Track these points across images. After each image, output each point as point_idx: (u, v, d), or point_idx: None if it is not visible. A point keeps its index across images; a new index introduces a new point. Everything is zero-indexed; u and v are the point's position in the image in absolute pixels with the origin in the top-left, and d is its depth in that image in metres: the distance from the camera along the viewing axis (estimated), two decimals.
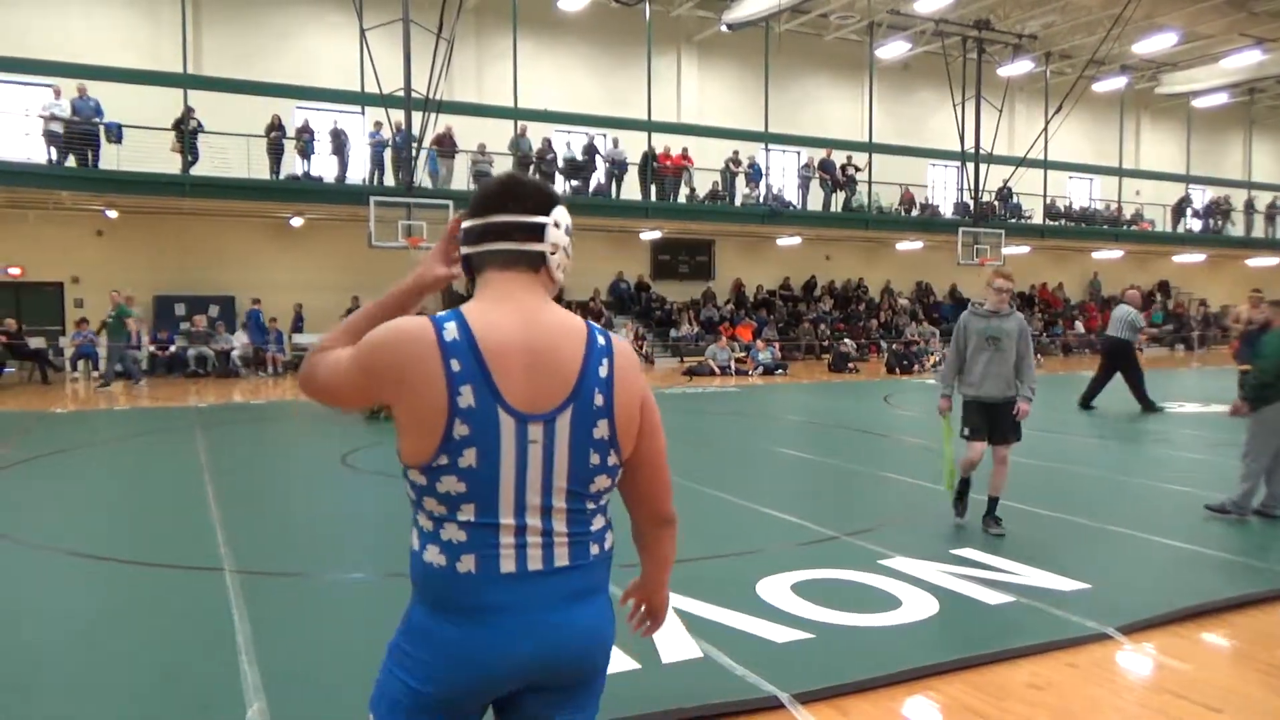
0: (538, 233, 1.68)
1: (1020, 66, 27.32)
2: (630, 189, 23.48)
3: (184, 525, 6.43)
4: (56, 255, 20.21)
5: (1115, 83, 29.70)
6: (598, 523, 1.68)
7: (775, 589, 4.80)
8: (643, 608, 1.98)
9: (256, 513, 6.96)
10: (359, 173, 21.07)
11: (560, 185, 22.80)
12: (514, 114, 21.71)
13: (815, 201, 25.89)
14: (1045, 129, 25.46)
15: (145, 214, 20.33)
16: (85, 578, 5.27)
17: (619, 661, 3.73)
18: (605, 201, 23.06)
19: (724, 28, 24.88)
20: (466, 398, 1.54)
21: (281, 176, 20.13)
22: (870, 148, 26.02)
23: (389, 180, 20.49)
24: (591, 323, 1.69)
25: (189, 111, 18.77)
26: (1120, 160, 31.40)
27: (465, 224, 1.72)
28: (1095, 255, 31.96)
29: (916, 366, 21.81)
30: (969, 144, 25.53)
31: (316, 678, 3.77)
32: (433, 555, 1.60)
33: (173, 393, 16.06)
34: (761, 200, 24.66)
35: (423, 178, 20.20)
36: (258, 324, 20.55)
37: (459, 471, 1.55)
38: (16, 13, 19.46)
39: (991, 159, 25.84)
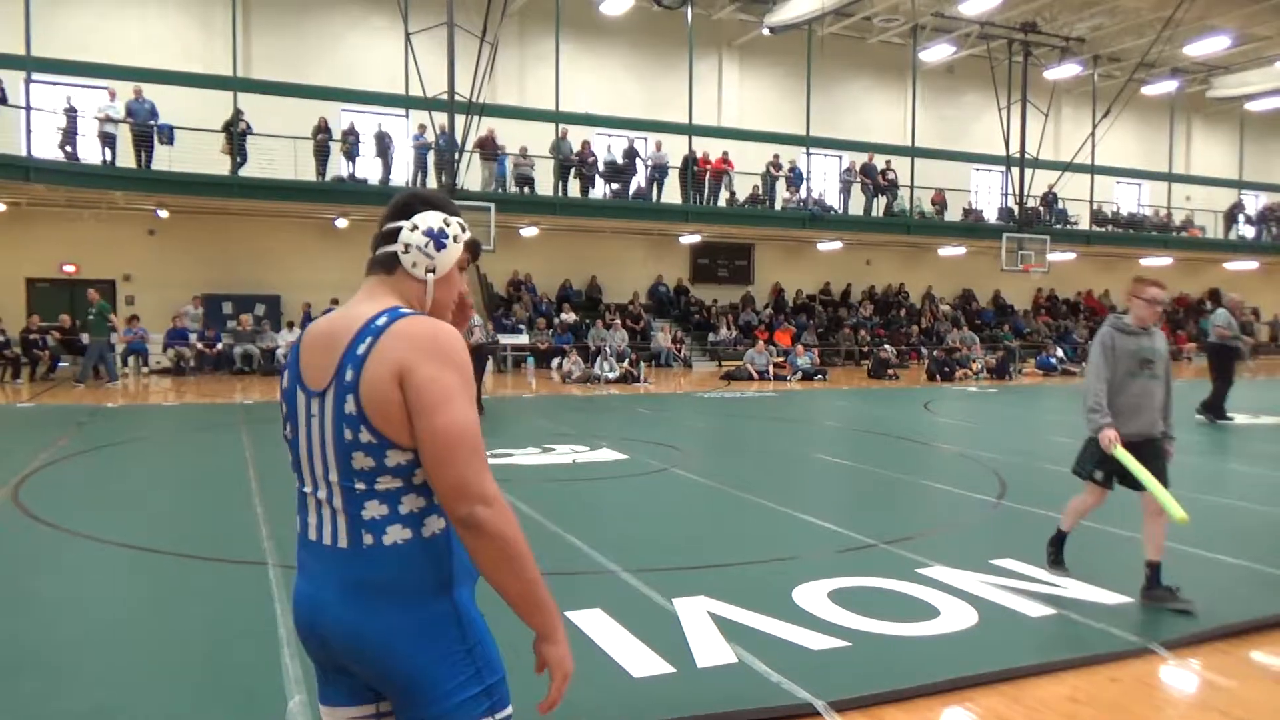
0: (392, 238, 1.81)
1: (1067, 69, 26.90)
2: (670, 192, 23.52)
3: (229, 519, 6.56)
4: (109, 253, 20.74)
5: (1165, 86, 29.12)
6: (372, 509, 1.66)
7: (812, 595, 4.78)
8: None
9: None
10: (402, 175, 21.34)
11: (601, 188, 22.91)
12: (556, 117, 21.85)
13: (856, 206, 25.71)
14: (1093, 133, 25.05)
15: (195, 214, 20.78)
16: (132, 569, 5.41)
17: (652, 664, 3.75)
18: (645, 205, 23.11)
19: (766, 31, 24.80)
20: (285, 380, 1.81)
21: (327, 178, 20.46)
22: (913, 152, 25.80)
23: (431, 182, 20.72)
24: (396, 309, 1.72)
25: (238, 114, 19.16)
26: (1170, 165, 30.79)
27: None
28: (1143, 262, 31.32)
29: (959, 373, 21.55)
30: (1014, 148, 25.19)
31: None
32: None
33: (219, 389, 16.38)
34: (802, 204, 24.54)
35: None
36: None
37: (287, 443, 1.80)
38: (78, 19, 20.00)
39: (1037, 163, 25.47)
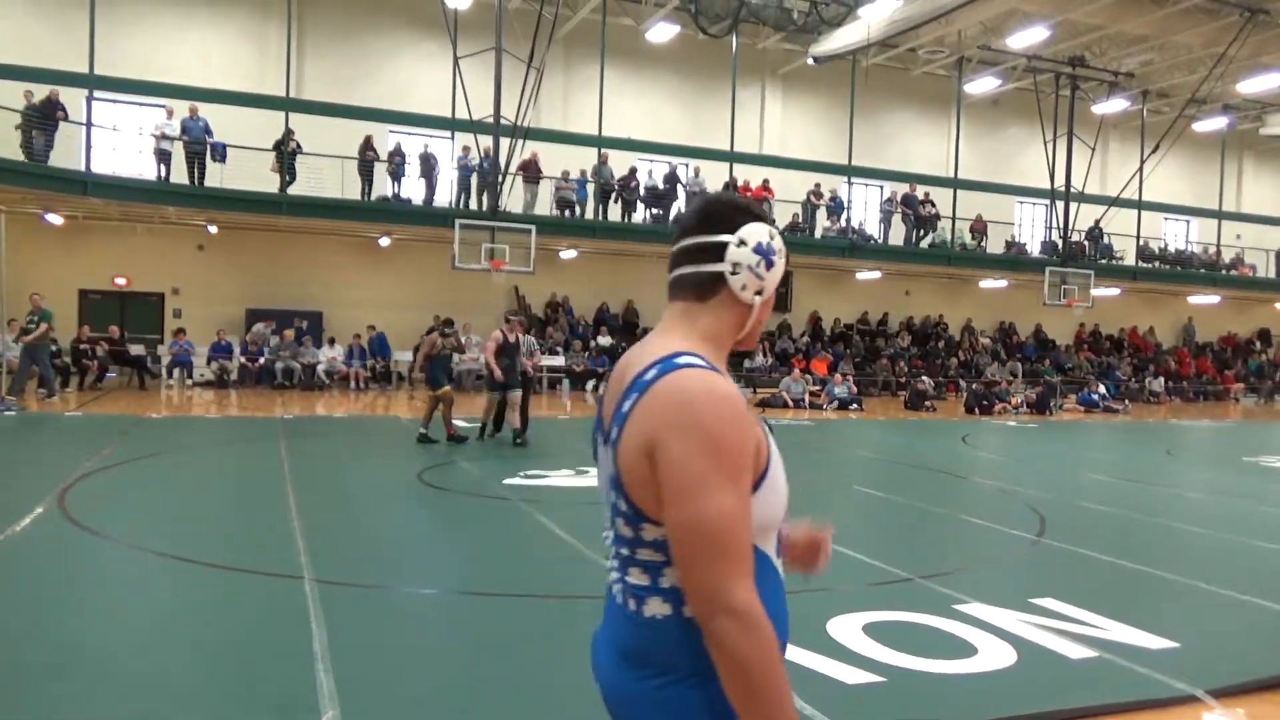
0: (705, 255, 1.55)
1: (1115, 104, 26.63)
2: None
3: (267, 532, 6.63)
4: (159, 267, 21.23)
5: (1216, 122, 28.69)
6: (636, 576, 1.49)
7: (847, 629, 4.72)
8: None
9: (336, 523, 7.14)
10: (445, 196, 21.63)
11: (641, 213, 23.02)
12: (598, 142, 22.05)
13: (896, 236, 25.57)
14: (1140, 168, 24.73)
15: (243, 230, 21.21)
16: (170, 578, 5.48)
17: None
18: None
19: (810, 61, 24.88)
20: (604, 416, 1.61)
21: (372, 198, 20.80)
22: (955, 184, 25.65)
23: (473, 204, 20.98)
24: (676, 354, 1.47)
25: (289, 133, 19.57)
26: (1220, 202, 30.26)
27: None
28: (1190, 300, 30.78)
29: (998, 407, 21.25)
30: (1059, 182, 24.93)
31: (390, 689, 3.84)
32: None
33: (260, 403, 16.63)
34: (842, 233, 24.47)
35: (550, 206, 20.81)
36: (382, 344, 21.30)
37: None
38: (140, 40, 20.63)
39: (1083, 198, 25.17)
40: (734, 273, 1.53)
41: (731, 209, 1.57)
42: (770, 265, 1.56)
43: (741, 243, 1.54)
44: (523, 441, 11.67)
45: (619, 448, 1.45)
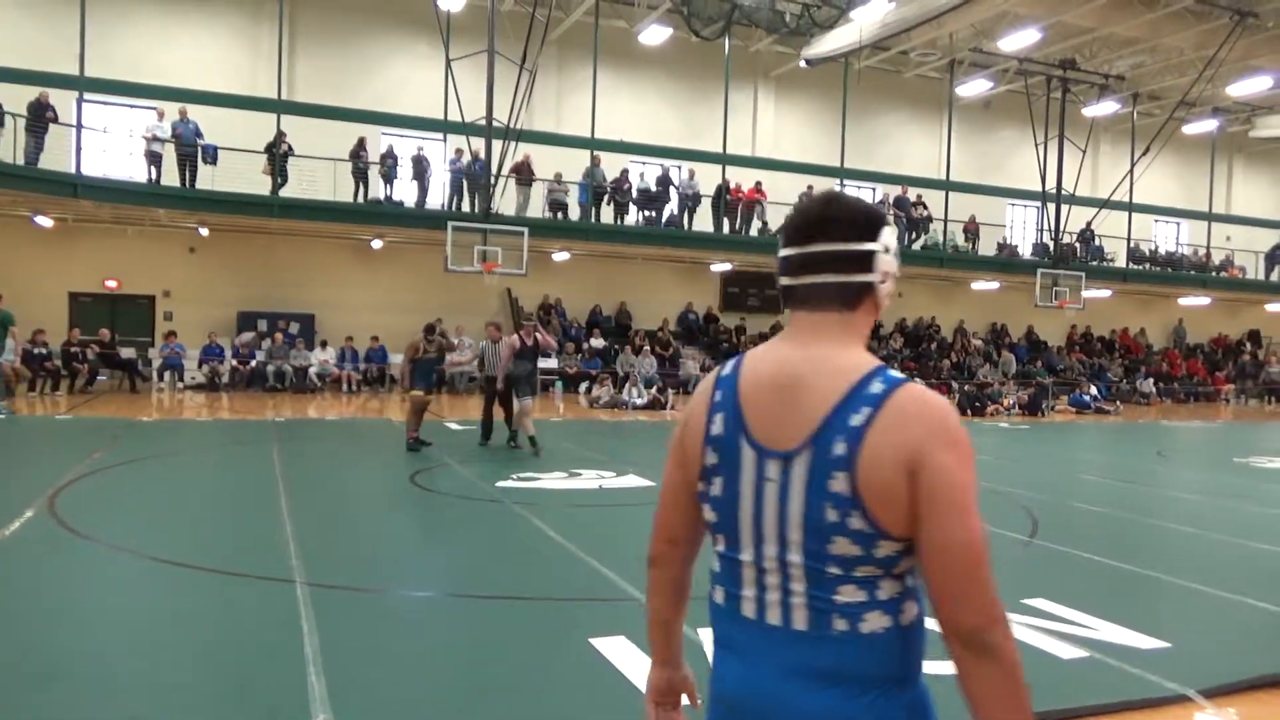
0: (850, 263, 1.51)
1: (1106, 107, 26.75)
2: (703, 221, 23.59)
3: (258, 536, 6.61)
4: (151, 269, 21.14)
5: (1207, 125, 28.84)
6: (849, 594, 1.44)
7: None
8: None
9: (328, 527, 7.12)
10: (438, 198, 21.60)
11: (634, 215, 23.03)
12: (591, 144, 22.05)
13: None
14: (1131, 171, 24.83)
15: (235, 232, 21.14)
16: (162, 582, 5.46)
17: None
18: (677, 233, 23.20)
19: (803, 63, 24.93)
20: (717, 425, 1.54)
21: (365, 200, 20.76)
22: (947, 185, 25.73)
23: (466, 206, 20.95)
24: (884, 369, 1.47)
25: (281, 135, 19.52)
26: (1210, 205, 30.41)
27: (783, 253, 1.58)
28: (1181, 301, 30.91)
29: (990, 409, 21.29)
30: (1050, 184, 25.03)
31: (382, 693, 3.83)
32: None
33: (252, 406, 16.57)
34: None
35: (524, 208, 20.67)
36: (383, 354, 21.29)
37: (711, 500, 1.56)
38: (131, 42, 20.55)
39: (1074, 200, 25.28)
40: (883, 281, 1.52)
41: (870, 214, 1.54)
42: (897, 268, 1.56)
43: (886, 249, 1.52)
44: (516, 445, 11.65)
45: (859, 465, 1.40)
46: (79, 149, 18.24)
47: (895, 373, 1.47)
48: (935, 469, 1.39)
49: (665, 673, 1.77)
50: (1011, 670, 1.40)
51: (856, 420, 1.41)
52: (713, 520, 1.56)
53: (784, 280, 1.56)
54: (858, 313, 1.53)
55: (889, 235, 1.53)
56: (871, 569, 1.44)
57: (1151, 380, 27.99)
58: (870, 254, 1.51)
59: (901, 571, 1.47)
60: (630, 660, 4.13)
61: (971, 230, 26.66)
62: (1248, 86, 24.57)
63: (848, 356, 1.48)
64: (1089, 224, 26.50)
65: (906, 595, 1.49)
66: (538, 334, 11.72)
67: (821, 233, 1.52)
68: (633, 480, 9.58)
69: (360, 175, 20.57)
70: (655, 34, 22.96)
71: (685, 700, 1.80)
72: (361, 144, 20.61)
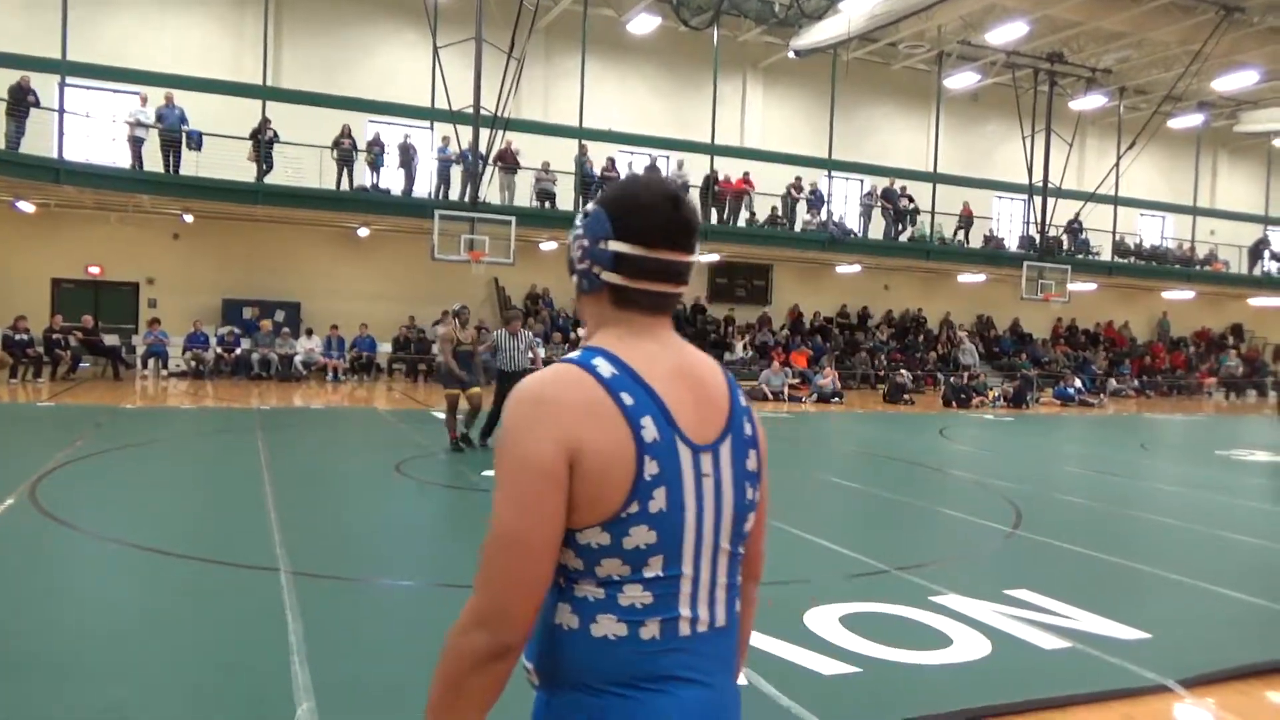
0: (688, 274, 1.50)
1: (1093, 100, 26.83)
2: None
3: (242, 524, 6.58)
4: (134, 256, 20.96)
5: (1192, 119, 28.95)
6: (736, 574, 1.50)
7: (823, 620, 4.75)
8: None
9: (312, 516, 7.09)
10: (424, 186, 21.49)
11: None
12: (579, 133, 21.97)
13: (876, 230, 25.67)
14: (1117, 164, 24.95)
15: (219, 219, 20.97)
16: (145, 570, 5.42)
17: None
18: None
19: (791, 54, 24.90)
20: (650, 430, 1.35)
21: (351, 188, 20.62)
22: (935, 178, 25.78)
23: (454, 194, 20.85)
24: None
25: (266, 122, 19.36)
26: (1195, 199, 30.59)
27: (619, 248, 1.43)
28: (1165, 295, 31.12)
29: (975, 400, 21.39)
30: (1037, 177, 25.11)
31: (366, 682, 3.82)
32: (607, 627, 1.35)
33: (236, 394, 16.48)
34: (822, 227, 24.54)
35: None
36: (371, 343, 21.23)
37: (650, 518, 1.34)
38: (114, 26, 20.31)
39: (1060, 193, 25.38)
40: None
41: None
42: None
43: None
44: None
45: (758, 439, 1.50)
46: (61, 134, 18.03)
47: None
48: (764, 446, 1.53)
49: None
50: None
51: (744, 399, 1.51)
52: (650, 542, 1.35)
53: (651, 286, 1.45)
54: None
55: None
56: (743, 544, 1.49)
57: (1131, 372, 28.21)
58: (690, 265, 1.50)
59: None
60: None
61: (966, 216, 26.70)
62: (1233, 81, 24.69)
63: (696, 351, 1.52)
64: (1075, 217, 26.61)
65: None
66: (535, 350, 11.25)
67: (692, 237, 1.48)
68: None
69: (345, 161, 20.42)
70: (644, 23, 22.86)
71: None
72: (345, 131, 20.47)
